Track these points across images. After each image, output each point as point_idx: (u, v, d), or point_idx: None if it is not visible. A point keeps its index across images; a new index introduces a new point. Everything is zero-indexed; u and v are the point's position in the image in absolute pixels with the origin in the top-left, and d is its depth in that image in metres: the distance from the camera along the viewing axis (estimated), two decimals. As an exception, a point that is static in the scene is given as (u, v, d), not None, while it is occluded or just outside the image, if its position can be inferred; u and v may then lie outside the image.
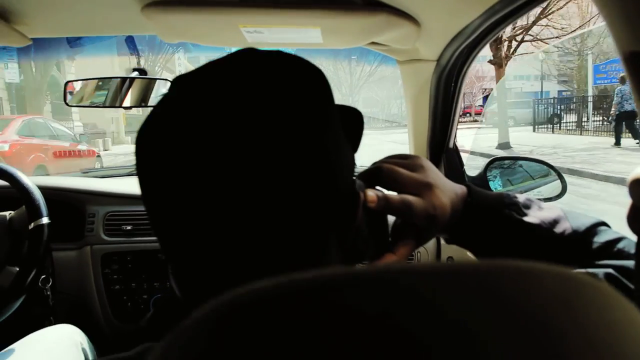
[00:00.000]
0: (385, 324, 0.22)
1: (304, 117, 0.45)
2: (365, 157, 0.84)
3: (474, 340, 0.22)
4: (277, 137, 0.43)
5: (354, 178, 0.54)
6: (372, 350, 0.21)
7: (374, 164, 0.69)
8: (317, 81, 0.49)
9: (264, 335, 0.22)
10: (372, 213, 0.61)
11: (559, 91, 28.00)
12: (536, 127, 20.02)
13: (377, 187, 0.66)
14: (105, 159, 14.89)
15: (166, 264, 1.70)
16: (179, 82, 0.49)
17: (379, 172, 0.65)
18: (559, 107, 20.36)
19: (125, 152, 17.67)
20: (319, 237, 0.46)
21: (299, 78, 0.47)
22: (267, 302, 0.23)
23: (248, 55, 0.49)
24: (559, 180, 1.68)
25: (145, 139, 0.47)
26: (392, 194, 0.63)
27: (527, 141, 15.81)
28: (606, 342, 0.23)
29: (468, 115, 31.19)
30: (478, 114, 31.58)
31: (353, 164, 0.54)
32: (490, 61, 14.11)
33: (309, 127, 0.45)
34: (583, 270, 0.62)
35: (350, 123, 0.59)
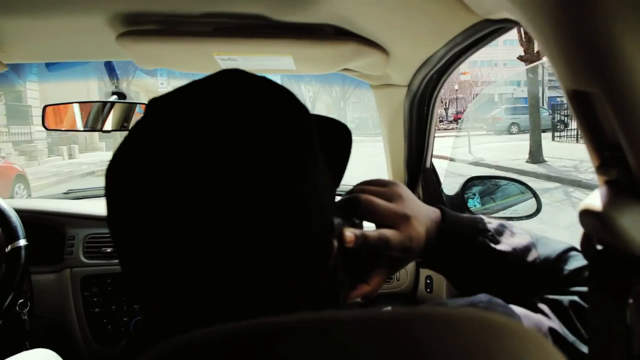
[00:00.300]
0: None
1: (282, 158, 0.42)
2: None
3: None
4: (251, 176, 0.40)
5: (332, 217, 0.52)
6: None
7: (351, 191, 0.68)
8: (300, 119, 0.46)
9: None
10: (348, 249, 0.61)
11: (549, 97, 27.97)
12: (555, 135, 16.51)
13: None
14: (69, 168, 13.63)
15: (122, 293, 1.68)
16: (152, 105, 0.46)
17: (357, 204, 0.64)
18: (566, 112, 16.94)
19: (93, 160, 16.22)
20: (287, 282, 0.44)
21: (282, 113, 0.45)
22: (197, 351, 0.25)
23: (230, 79, 0.47)
24: (534, 199, 1.70)
25: (117, 162, 0.45)
26: (369, 229, 0.63)
27: (558, 152, 12.51)
28: None
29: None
30: (457, 120, 30.76)
31: (332, 200, 0.53)
32: (520, 57, 12.19)
33: (286, 169, 0.42)
34: (552, 296, 0.63)
35: (337, 140, 0.59)
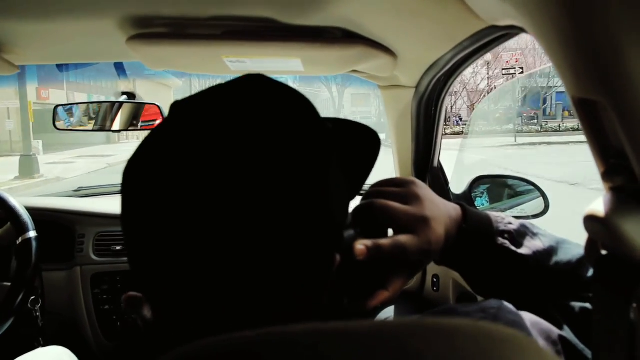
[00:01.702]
0: None
1: (295, 169, 0.43)
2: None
3: None
4: (269, 185, 0.41)
5: (341, 228, 0.51)
6: None
7: (367, 194, 0.66)
8: (317, 130, 0.46)
9: None
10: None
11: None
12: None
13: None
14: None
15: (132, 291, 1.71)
16: (175, 108, 0.46)
17: (372, 209, 0.62)
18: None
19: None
20: (287, 293, 0.44)
21: (300, 123, 0.45)
22: None
23: (252, 87, 0.47)
24: (541, 198, 1.70)
25: (136, 162, 0.45)
26: (389, 234, 0.61)
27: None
28: None
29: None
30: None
31: (345, 211, 0.52)
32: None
33: (298, 180, 0.42)
34: (572, 302, 0.63)
35: (362, 147, 0.57)
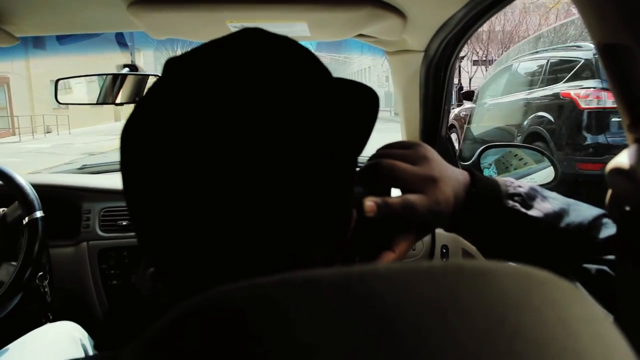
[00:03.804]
0: (346, 322, 0.22)
1: (302, 120, 0.41)
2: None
3: (427, 342, 0.22)
4: (269, 139, 0.40)
5: (352, 185, 0.50)
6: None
7: (373, 156, 0.65)
8: (322, 81, 0.45)
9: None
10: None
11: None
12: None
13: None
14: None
15: (139, 261, 1.72)
16: (170, 65, 0.45)
17: (379, 169, 0.61)
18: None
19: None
20: (303, 251, 0.43)
21: (304, 73, 0.44)
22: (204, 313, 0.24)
23: (252, 39, 0.45)
24: (551, 167, 1.68)
25: (132, 128, 0.43)
26: (393, 195, 0.61)
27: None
28: (560, 339, 0.24)
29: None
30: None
31: (353, 167, 0.51)
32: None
33: (306, 133, 0.41)
34: (580, 264, 0.62)
35: (361, 106, 0.55)
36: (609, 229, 0.64)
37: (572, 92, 5.37)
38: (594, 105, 5.16)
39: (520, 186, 0.67)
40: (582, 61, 5.51)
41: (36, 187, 1.55)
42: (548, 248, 0.65)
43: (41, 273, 1.60)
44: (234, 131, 0.39)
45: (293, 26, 1.12)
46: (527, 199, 0.66)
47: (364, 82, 0.53)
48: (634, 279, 0.52)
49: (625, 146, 0.52)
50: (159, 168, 0.40)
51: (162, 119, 0.41)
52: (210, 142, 0.39)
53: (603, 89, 5.02)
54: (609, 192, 0.56)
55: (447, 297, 0.24)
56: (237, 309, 0.24)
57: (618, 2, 0.45)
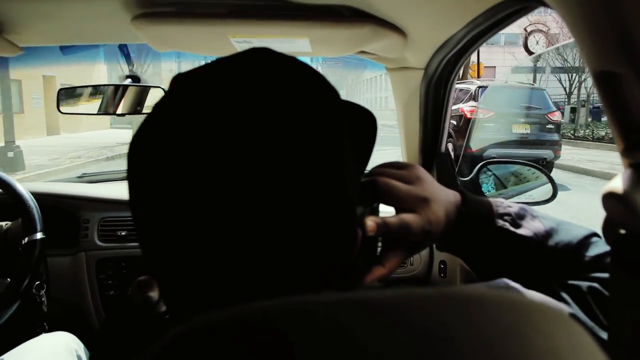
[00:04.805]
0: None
1: (311, 142, 0.41)
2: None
3: None
4: (278, 159, 0.40)
5: (357, 205, 0.50)
6: None
7: (369, 173, 0.66)
8: (330, 102, 0.45)
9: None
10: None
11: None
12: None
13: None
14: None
15: (134, 273, 1.71)
16: (178, 81, 0.45)
17: (375, 187, 0.63)
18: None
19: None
20: (311, 271, 0.42)
21: (312, 94, 0.44)
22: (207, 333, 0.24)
23: (260, 58, 0.45)
24: (549, 184, 1.69)
25: (139, 141, 0.44)
26: (389, 214, 0.62)
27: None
28: None
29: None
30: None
31: (357, 189, 0.51)
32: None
33: (315, 154, 0.41)
34: (573, 282, 0.63)
35: (362, 127, 0.57)
36: (597, 248, 0.65)
37: (465, 108, 9.93)
38: (472, 116, 9.73)
39: (510, 206, 0.69)
40: (471, 91, 10.20)
41: (35, 195, 1.55)
42: (538, 266, 0.66)
43: (38, 282, 1.59)
44: (239, 150, 0.39)
45: (295, 42, 1.12)
46: (517, 218, 0.68)
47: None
48: (628, 302, 0.52)
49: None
50: (164, 182, 0.41)
51: (169, 136, 0.41)
52: (216, 159, 0.39)
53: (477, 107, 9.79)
54: (604, 215, 0.56)
55: (437, 326, 0.24)
56: (238, 331, 0.24)
57: (613, 29, 0.45)
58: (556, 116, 10.32)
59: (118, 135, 17.77)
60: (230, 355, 0.23)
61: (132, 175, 0.44)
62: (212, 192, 0.39)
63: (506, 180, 1.87)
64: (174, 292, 0.45)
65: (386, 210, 0.63)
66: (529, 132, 10.01)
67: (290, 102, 0.42)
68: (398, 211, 0.64)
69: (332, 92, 0.46)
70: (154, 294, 0.63)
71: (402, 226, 0.61)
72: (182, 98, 0.43)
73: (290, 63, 0.46)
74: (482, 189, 1.73)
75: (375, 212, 0.66)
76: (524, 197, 1.75)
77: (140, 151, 0.43)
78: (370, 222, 0.59)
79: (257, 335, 0.23)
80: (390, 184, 0.63)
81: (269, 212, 0.39)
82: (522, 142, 9.89)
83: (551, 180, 1.68)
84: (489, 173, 1.82)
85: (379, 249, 0.67)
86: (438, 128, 1.49)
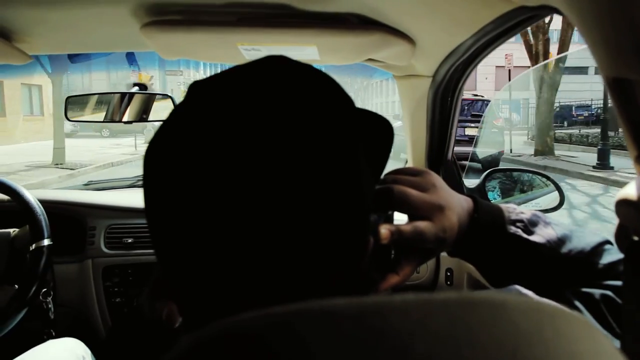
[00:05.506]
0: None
1: (326, 149, 0.41)
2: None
3: None
4: (294, 167, 0.40)
5: (370, 213, 0.50)
6: None
7: (383, 180, 0.66)
8: (346, 109, 0.45)
9: None
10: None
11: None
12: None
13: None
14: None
15: (140, 280, 1.71)
16: (194, 89, 0.45)
17: (390, 195, 0.62)
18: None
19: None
20: (322, 279, 0.43)
21: (327, 102, 0.44)
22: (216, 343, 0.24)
23: (276, 66, 0.45)
24: (556, 192, 1.68)
25: (155, 149, 0.44)
26: (403, 222, 0.62)
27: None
28: None
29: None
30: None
31: (371, 196, 0.51)
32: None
33: (330, 161, 0.41)
34: (585, 289, 0.62)
35: (378, 135, 0.57)
36: (611, 255, 0.65)
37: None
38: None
39: (522, 212, 0.68)
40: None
41: (42, 203, 1.55)
42: (550, 273, 0.66)
43: (45, 289, 1.59)
44: (256, 156, 0.39)
45: (303, 50, 1.13)
46: (530, 224, 0.67)
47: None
48: (641, 310, 0.52)
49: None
50: (181, 190, 0.41)
51: (187, 143, 0.41)
52: (234, 166, 0.39)
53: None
54: (617, 222, 0.56)
55: (461, 330, 0.24)
56: (256, 336, 0.24)
57: (627, 35, 0.45)
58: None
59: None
60: None
61: (149, 183, 0.44)
62: (229, 199, 0.39)
63: (512, 188, 1.87)
64: (190, 299, 0.45)
65: (399, 218, 0.63)
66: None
67: (307, 110, 0.42)
68: (411, 218, 0.63)
69: (348, 100, 0.46)
70: (176, 319, 0.62)
71: (416, 234, 0.61)
72: (199, 105, 0.43)
73: (306, 71, 0.46)
74: (489, 197, 1.73)
75: (390, 219, 0.65)
76: (531, 205, 1.75)
77: (157, 158, 0.44)
78: (384, 230, 0.59)
79: (278, 341, 0.23)
80: (406, 193, 0.62)
81: (285, 218, 0.39)
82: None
83: (558, 188, 1.68)
84: (496, 181, 1.81)
85: (392, 257, 0.66)
86: (445, 135, 1.49)
